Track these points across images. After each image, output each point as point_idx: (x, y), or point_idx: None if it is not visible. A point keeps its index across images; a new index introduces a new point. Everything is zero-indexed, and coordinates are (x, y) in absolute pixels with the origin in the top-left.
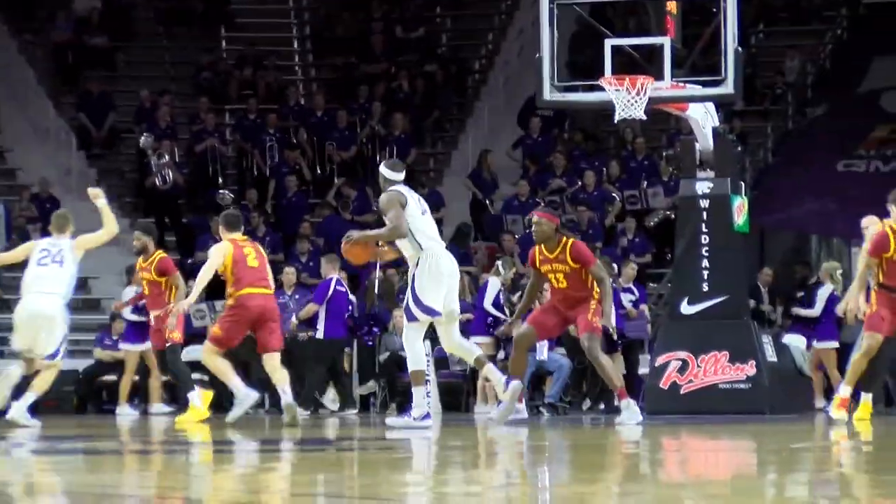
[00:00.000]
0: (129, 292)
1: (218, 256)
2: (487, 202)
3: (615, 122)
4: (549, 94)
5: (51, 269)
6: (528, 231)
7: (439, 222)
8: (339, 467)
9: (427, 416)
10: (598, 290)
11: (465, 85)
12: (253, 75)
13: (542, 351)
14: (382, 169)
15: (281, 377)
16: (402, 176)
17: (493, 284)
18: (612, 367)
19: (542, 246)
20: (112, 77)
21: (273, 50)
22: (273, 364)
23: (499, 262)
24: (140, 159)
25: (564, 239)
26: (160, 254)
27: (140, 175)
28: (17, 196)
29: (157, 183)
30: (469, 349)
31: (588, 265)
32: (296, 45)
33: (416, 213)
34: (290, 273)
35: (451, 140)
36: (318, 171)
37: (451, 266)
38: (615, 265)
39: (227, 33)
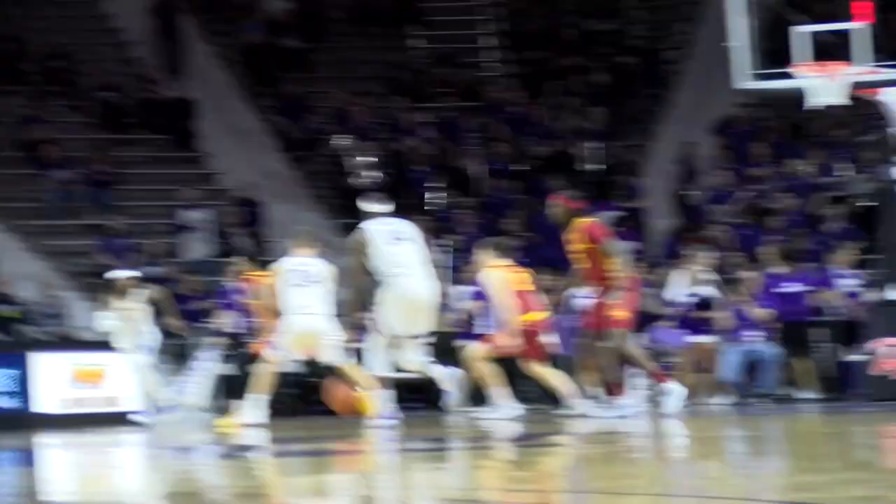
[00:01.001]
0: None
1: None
2: (690, 193)
3: (806, 107)
4: (743, 82)
5: (312, 289)
6: (732, 220)
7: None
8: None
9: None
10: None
11: (661, 75)
12: (448, 73)
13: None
14: (359, 203)
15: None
16: (378, 207)
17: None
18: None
19: None
20: (308, 78)
21: (468, 47)
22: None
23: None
24: (340, 160)
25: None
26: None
27: (341, 176)
28: (219, 200)
29: (358, 183)
30: (426, 369)
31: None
32: (490, 41)
33: (382, 244)
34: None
35: (650, 132)
36: (518, 167)
37: (417, 292)
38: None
39: (419, 31)
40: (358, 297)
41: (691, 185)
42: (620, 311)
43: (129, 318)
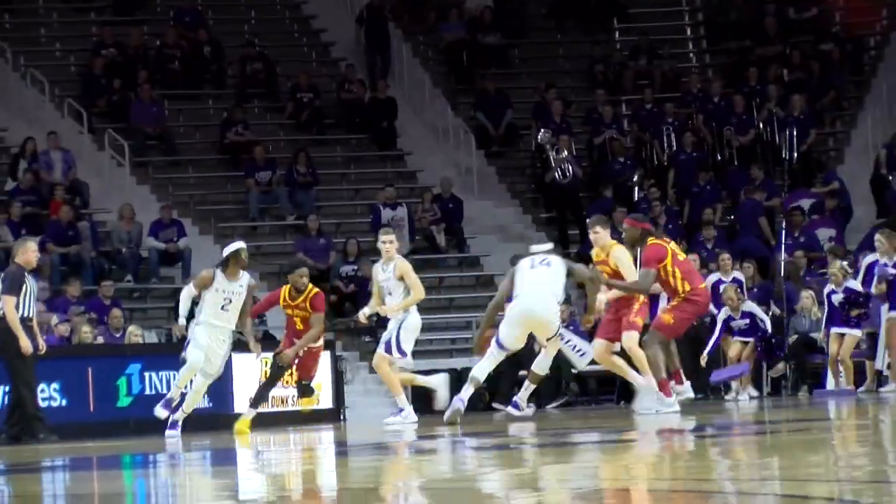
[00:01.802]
0: None
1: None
2: (891, 178)
3: None
4: None
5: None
6: None
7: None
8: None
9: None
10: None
11: (861, 62)
12: (648, 65)
13: None
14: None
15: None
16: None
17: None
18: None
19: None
20: (507, 74)
21: (667, 38)
22: None
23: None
24: (539, 155)
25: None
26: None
27: (539, 171)
28: (419, 198)
29: (557, 177)
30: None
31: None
32: (689, 31)
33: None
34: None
35: (850, 119)
36: (718, 157)
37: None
38: None
39: (619, 24)
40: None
41: (893, 171)
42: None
43: None
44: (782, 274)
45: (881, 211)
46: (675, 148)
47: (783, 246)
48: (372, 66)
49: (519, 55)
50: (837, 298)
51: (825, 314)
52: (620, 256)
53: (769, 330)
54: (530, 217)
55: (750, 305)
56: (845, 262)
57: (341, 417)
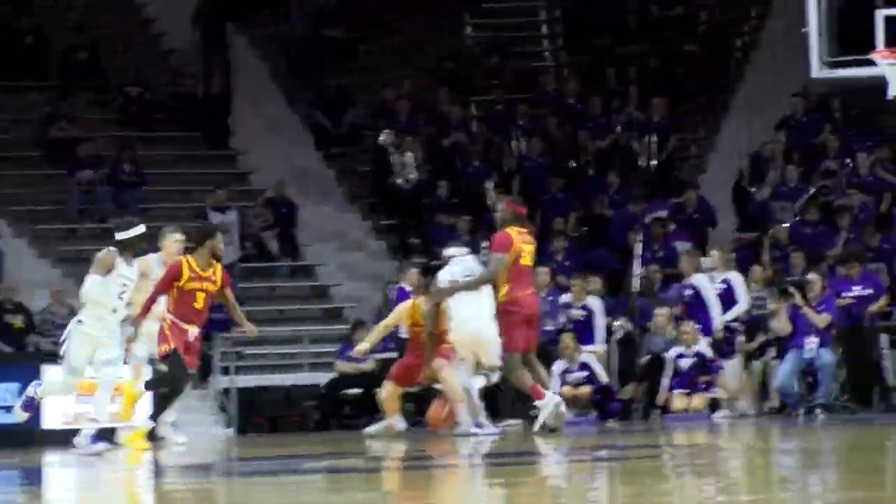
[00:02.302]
0: None
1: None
2: (752, 189)
3: (888, 97)
4: (817, 71)
5: None
6: (797, 218)
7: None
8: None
9: None
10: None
11: (727, 64)
12: (500, 63)
13: (812, 348)
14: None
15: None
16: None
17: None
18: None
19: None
20: (350, 70)
21: (520, 35)
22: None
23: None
24: (381, 157)
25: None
26: None
27: (381, 174)
28: (251, 202)
29: (399, 182)
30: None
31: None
32: (545, 28)
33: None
34: (543, 273)
35: (714, 124)
36: (572, 163)
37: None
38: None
39: (471, 20)
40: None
41: (756, 181)
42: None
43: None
44: (637, 289)
45: (743, 223)
46: (526, 152)
47: (640, 259)
48: (209, 64)
49: (364, 50)
50: (686, 363)
51: (669, 375)
52: None
53: (605, 382)
54: (370, 224)
55: (587, 357)
56: (697, 325)
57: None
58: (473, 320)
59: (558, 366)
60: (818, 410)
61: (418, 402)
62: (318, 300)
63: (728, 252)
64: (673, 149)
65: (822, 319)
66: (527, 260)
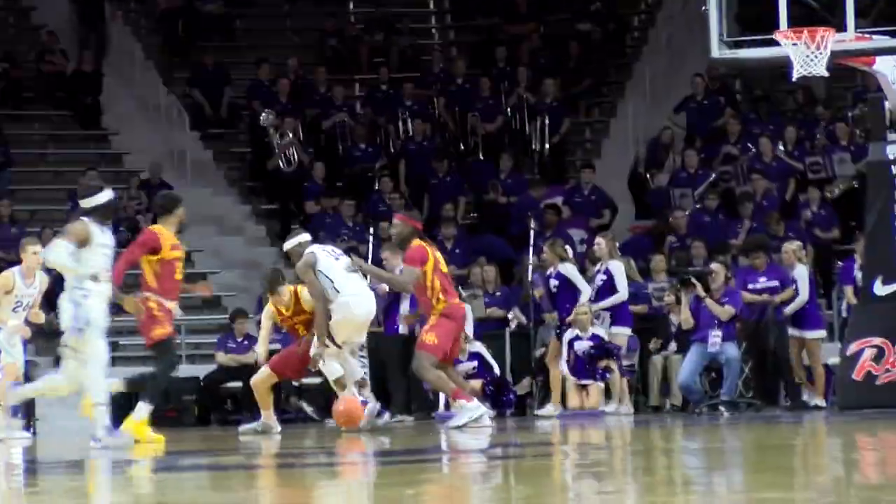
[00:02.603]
0: None
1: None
2: (648, 175)
3: (793, 80)
4: (718, 51)
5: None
6: (697, 206)
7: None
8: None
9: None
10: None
11: (623, 45)
12: (385, 41)
13: (716, 342)
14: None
15: None
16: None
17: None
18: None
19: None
20: (228, 48)
21: (406, 12)
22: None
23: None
24: (260, 139)
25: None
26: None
27: (260, 156)
28: (125, 184)
29: (280, 165)
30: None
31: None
32: (432, 5)
33: (329, 264)
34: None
35: (609, 107)
36: (461, 146)
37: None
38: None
39: None
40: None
41: (654, 167)
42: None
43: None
44: (530, 279)
45: (640, 211)
46: (412, 134)
47: (531, 248)
48: (84, 40)
49: (242, 26)
50: (582, 347)
51: (565, 360)
52: None
53: (498, 373)
54: (249, 208)
55: (478, 346)
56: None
57: (31, 431)
58: (360, 300)
59: None
60: (722, 408)
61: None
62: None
63: (611, 241)
64: (566, 132)
65: (725, 312)
66: (444, 266)
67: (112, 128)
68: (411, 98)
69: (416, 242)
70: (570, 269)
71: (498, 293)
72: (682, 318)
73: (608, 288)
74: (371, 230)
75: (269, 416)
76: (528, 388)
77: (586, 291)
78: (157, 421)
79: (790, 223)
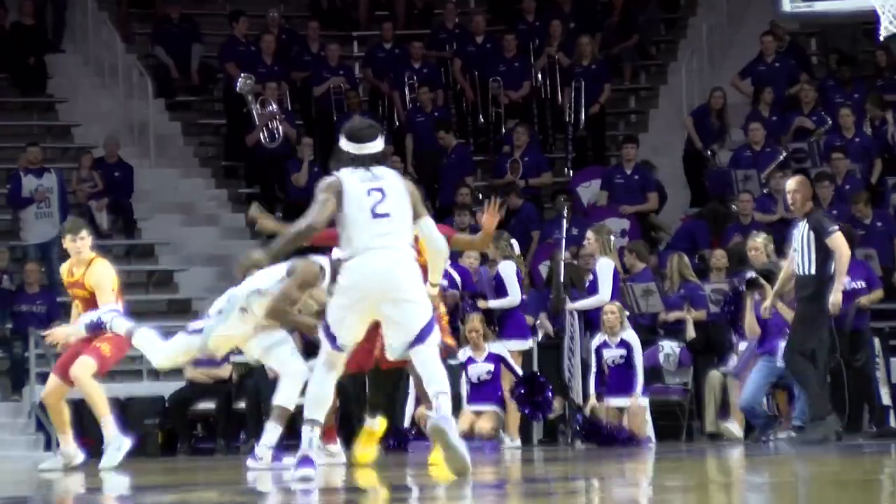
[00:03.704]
0: None
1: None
2: (709, 153)
3: (880, 39)
4: (790, 3)
5: None
6: (765, 191)
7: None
8: None
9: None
10: None
11: None
12: None
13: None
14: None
15: None
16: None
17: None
18: None
19: None
20: None
21: None
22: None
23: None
24: (238, 109)
25: None
26: None
27: (238, 130)
28: (74, 162)
29: (262, 139)
30: None
31: None
32: None
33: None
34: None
35: (659, 71)
36: (480, 118)
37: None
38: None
39: None
40: None
41: (713, 143)
42: None
43: None
44: (562, 279)
45: (697, 196)
46: (420, 103)
47: (563, 242)
48: None
49: None
50: (612, 356)
51: (591, 373)
52: None
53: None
54: (225, 193)
55: (497, 348)
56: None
57: None
58: None
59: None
60: (793, 434)
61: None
62: (160, 289)
63: (605, 234)
64: (607, 101)
65: None
66: None
67: (59, 94)
68: (420, 60)
69: None
70: (507, 270)
71: (523, 296)
72: (747, 325)
73: (594, 291)
74: None
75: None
76: (561, 410)
77: (514, 299)
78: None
79: (877, 211)
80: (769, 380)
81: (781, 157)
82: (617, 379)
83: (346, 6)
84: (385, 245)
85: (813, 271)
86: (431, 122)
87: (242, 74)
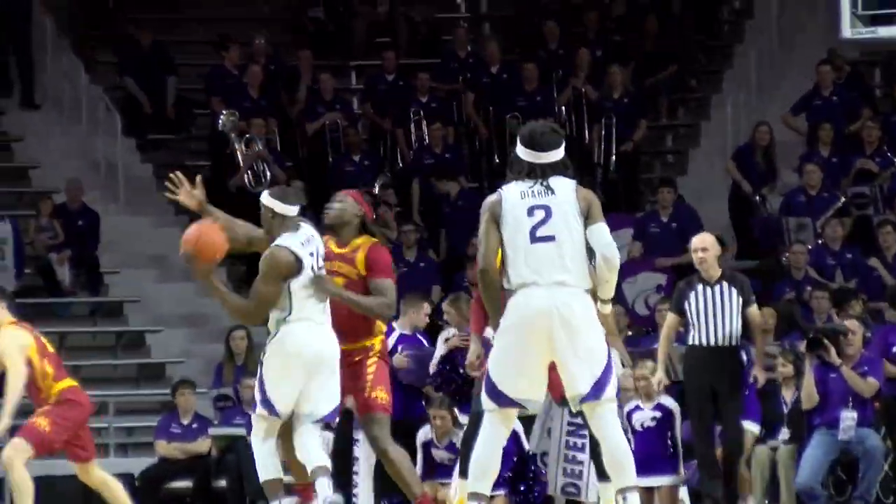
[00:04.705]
0: None
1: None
2: (758, 198)
3: None
4: (849, 28)
5: None
6: (819, 241)
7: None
8: None
9: None
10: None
11: (718, 20)
12: (390, 13)
13: (850, 427)
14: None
15: None
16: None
17: None
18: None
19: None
20: (172, 21)
21: None
22: None
23: None
24: (219, 148)
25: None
26: None
27: (220, 172)
28: (31, 209)
29: (247, 183)
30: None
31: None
32: None
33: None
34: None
35: (700, 105)
36: (496, 158)
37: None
38: None
39: None
40: None
41: (761, 186)
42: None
43: None
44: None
45: (743, 247)
46: (427, 142)
47: None
48: None
49: None
50: (644, 419)
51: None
52: None
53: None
54: None
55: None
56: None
57: None
58: None
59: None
60: None
61: None
62: (129, 352)
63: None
64: (641, 139)
65: (868, 386)
66: None
67: (14, 132)
68: (427, 93)
69: (373, 241)
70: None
71: None
72: (805, 392)
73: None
74: None
75: None
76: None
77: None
78: None
79: None
80: (829, 457)
81: (840, 203)
82: (647, 445)
83: (341, 30)
84: (548, 277)
85: None
86: (443, 162)
87: (225, 111)
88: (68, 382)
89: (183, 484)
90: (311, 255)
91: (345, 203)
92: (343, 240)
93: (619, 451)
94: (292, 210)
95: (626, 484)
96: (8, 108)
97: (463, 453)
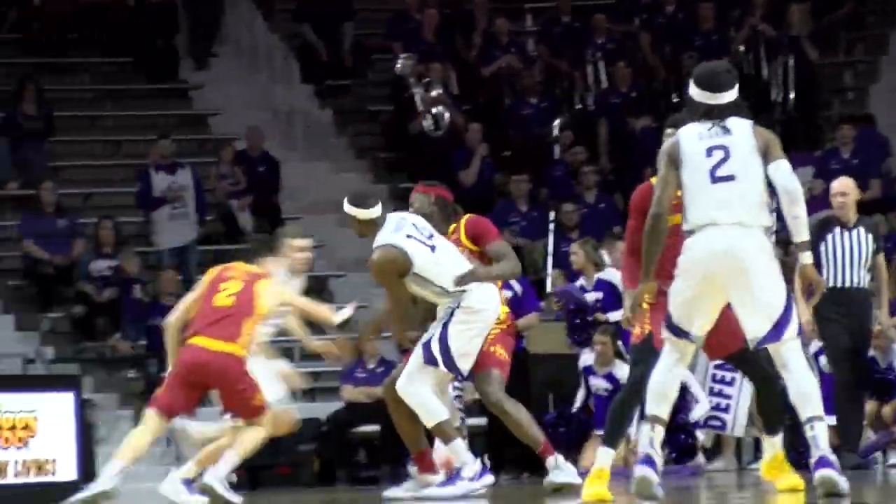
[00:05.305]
0: None
1: None
2: None
3: None
4: None
5: None
6: None
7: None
8: None
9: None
10: None
11: None
12: None
13: None
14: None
15: None
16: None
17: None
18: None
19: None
20: None
21: None
22: None
23: None
24: (398, 93)
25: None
26: None
27: (399, 118)
28: (212, 156)
29: (426, 127)
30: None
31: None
32: None
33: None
34: None
35: (878, 40)
36: (673, 98)
37: None
38: None
39: None
40: None
41: None
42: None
43: None
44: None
45: None
46: (605, 84)
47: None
48: None
49: None
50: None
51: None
52: None
53: None
54: (386, 188)
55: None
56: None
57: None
58: None
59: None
60: None
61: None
62: (311, 298)
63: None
64: (818, 77)
65: None
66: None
67: (194, 80)
68: (604, 34)
69: (465, 217)
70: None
71: None
72: None
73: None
74: (553, 217)
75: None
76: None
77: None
78: (266, 479)
79: None
80: None
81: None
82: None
83: None
84: (728, 216)
85: None
86: (625, 102)
87: (403, 54)
88: None
89: (371, 428)
90: (409, 236)
91: (415, 200)
92: (441, 229)
93: (804, 383)
94: (374, 212)
95: (813, 413)
96: (186, 54)
97: (609, 423)
